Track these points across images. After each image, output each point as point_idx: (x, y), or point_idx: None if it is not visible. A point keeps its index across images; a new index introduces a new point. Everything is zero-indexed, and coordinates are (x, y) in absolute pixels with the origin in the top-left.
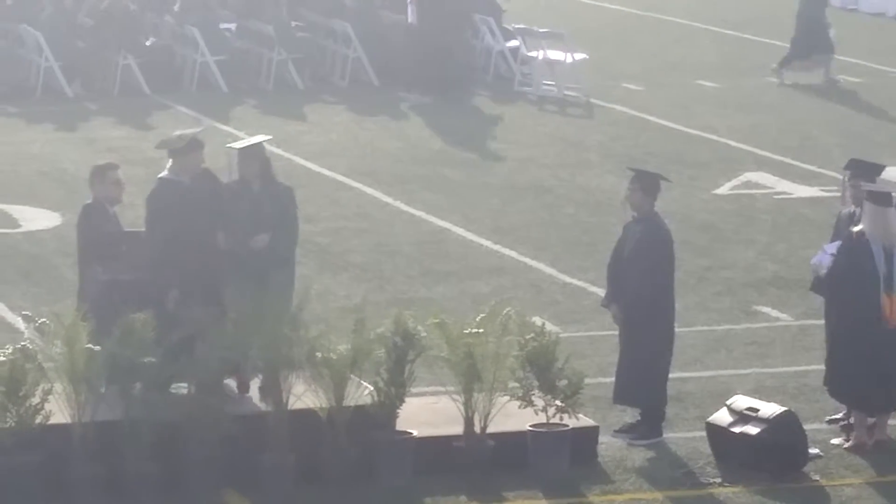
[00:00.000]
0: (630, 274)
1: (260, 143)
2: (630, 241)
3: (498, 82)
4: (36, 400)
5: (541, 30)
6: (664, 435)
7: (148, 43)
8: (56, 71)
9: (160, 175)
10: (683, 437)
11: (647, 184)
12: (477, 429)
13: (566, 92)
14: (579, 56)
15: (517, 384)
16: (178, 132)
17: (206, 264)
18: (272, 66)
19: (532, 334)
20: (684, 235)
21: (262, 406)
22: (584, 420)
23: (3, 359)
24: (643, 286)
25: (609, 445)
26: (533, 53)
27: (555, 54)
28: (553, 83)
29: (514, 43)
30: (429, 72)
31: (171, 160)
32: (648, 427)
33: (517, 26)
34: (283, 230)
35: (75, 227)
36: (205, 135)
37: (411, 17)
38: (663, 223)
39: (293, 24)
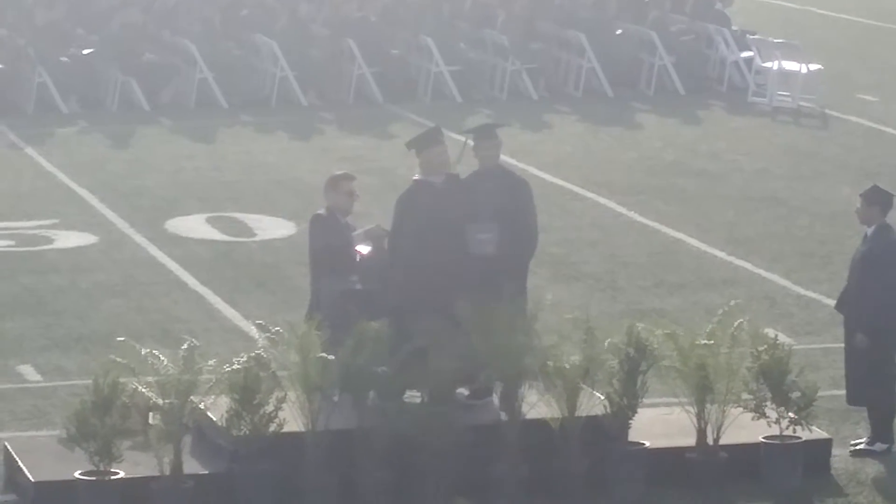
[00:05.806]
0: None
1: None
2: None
3: (732, 93)
4: (270, 408)
5: (775, 40)
6: None
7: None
8: (291, 80)
9: (414, 177)
10: None
11: (876, 198)
12: (710, 440)
13: (801, 103)
14: (814, 67)
15: (750, 396)
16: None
17: (446, 272)
18: (506, 77)
19: (765, 346)
20: None
21: (495, 416)
22: (818, 432)
23: (237, 367)
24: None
25: (842, 458)
26: (767, 64)
27: (790, 65)
28: (788, 94)
29: (748, 53)
30: None
31: (418, 160)
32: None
33: (751, 36)
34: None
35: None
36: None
37: None
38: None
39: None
